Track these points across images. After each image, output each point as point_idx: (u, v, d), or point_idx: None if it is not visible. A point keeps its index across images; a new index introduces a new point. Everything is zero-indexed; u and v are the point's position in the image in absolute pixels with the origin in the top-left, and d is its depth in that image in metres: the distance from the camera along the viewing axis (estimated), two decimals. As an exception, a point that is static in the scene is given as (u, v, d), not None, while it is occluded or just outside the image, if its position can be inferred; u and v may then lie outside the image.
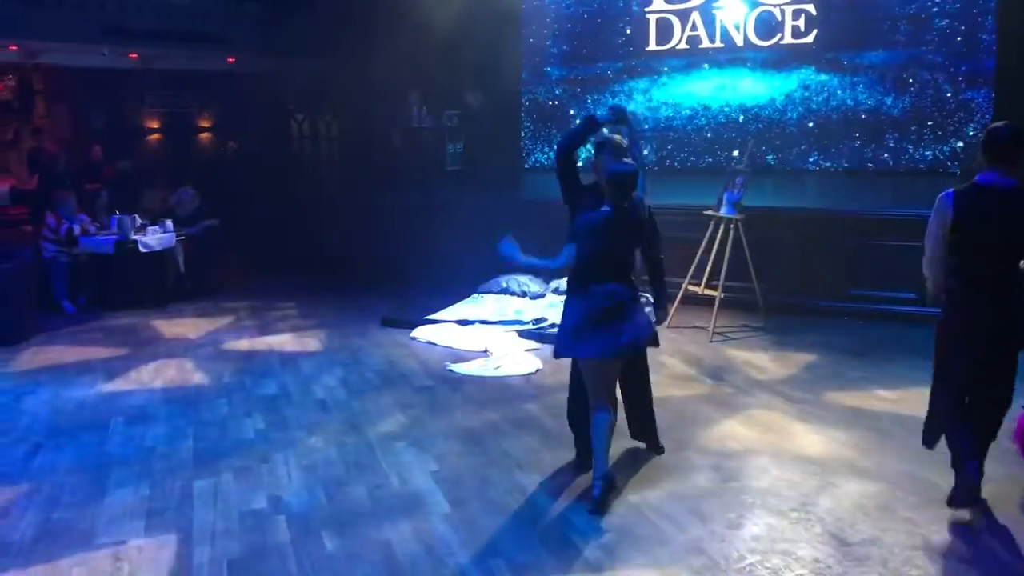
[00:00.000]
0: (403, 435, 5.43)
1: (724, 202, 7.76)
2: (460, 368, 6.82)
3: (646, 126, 12.48)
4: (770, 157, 11.89)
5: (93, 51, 11.52)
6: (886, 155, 11.31)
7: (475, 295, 8.96)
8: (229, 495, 4.61)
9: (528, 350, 7.20)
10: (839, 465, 4.82)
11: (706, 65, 12.29)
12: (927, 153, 11.05)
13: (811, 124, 11.73)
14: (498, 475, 4.80)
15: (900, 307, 7.88)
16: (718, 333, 7.59)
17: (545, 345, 7.13)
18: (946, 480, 4.27)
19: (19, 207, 11.69)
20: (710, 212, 7.84)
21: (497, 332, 7.62)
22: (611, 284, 4.37)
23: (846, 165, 11.55)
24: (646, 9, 12.54)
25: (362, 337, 7.88)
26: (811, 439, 5.23)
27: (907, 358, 6.73)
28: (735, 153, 11.65)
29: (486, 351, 7.19)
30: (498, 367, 6.79)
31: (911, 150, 11.16)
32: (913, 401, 5.74)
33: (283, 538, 4.13)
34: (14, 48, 11.21)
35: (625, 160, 4.42)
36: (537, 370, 6.72)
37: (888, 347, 7.10)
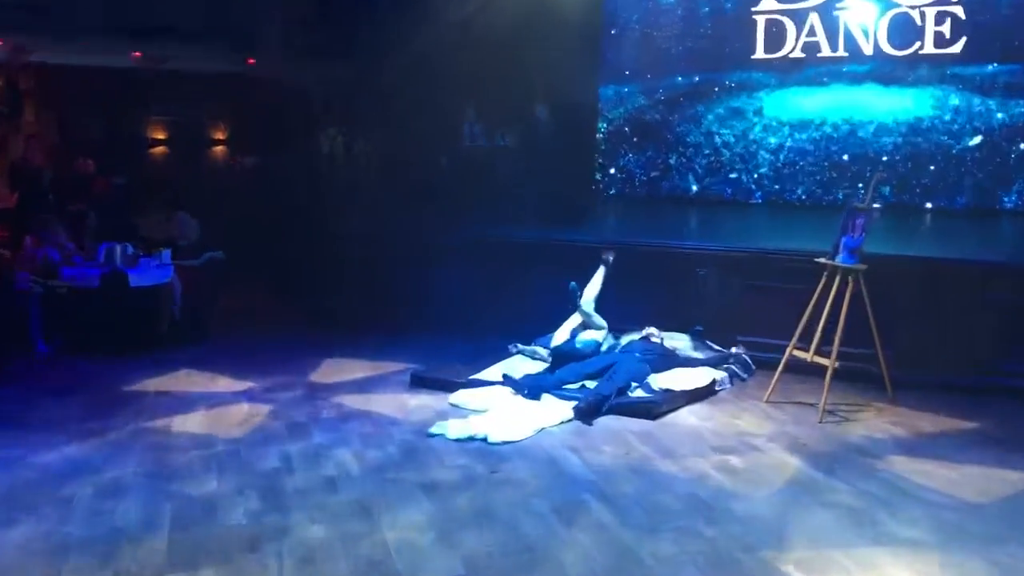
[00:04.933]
0: (426, 526, 5.31)
1: (841, 248, 7.56)
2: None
3: (739, 149, 12.40)
4: (902, 193, 11.60)
5: (88, 49, 11.86)
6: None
7: (522, 352, 8.86)
8: (206, 594, 4.53)
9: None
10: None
11: (825, 78, 12.12)
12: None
13: (955, 153, 11.41)
14: (541, 585, 4.63)
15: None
16: (830, 412, 7.33)
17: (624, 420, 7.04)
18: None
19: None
20: (823, 260, 7.63)
21: (554, 408, 7.41)
22: None
23: (999, 205, 11.18)
24: (753, 9, 12.43)
25: (385, 399, 7.82)
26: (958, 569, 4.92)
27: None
28: (859, 187, 11.42)
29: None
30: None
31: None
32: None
33: (266, 654, 4.02)
34: (-1, 43, 11.62)
35: None
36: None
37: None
